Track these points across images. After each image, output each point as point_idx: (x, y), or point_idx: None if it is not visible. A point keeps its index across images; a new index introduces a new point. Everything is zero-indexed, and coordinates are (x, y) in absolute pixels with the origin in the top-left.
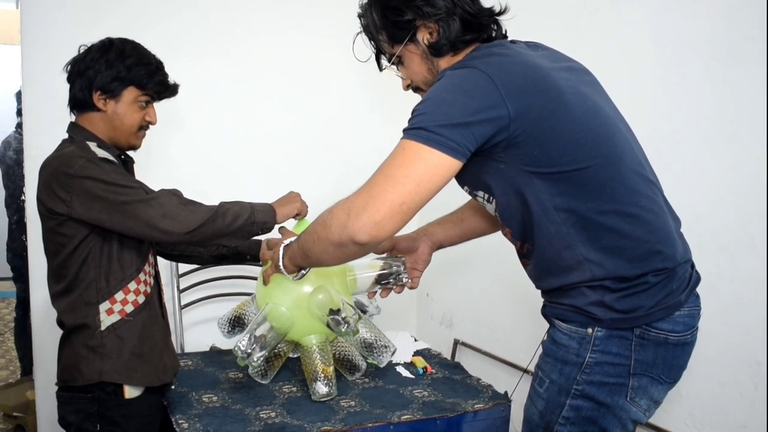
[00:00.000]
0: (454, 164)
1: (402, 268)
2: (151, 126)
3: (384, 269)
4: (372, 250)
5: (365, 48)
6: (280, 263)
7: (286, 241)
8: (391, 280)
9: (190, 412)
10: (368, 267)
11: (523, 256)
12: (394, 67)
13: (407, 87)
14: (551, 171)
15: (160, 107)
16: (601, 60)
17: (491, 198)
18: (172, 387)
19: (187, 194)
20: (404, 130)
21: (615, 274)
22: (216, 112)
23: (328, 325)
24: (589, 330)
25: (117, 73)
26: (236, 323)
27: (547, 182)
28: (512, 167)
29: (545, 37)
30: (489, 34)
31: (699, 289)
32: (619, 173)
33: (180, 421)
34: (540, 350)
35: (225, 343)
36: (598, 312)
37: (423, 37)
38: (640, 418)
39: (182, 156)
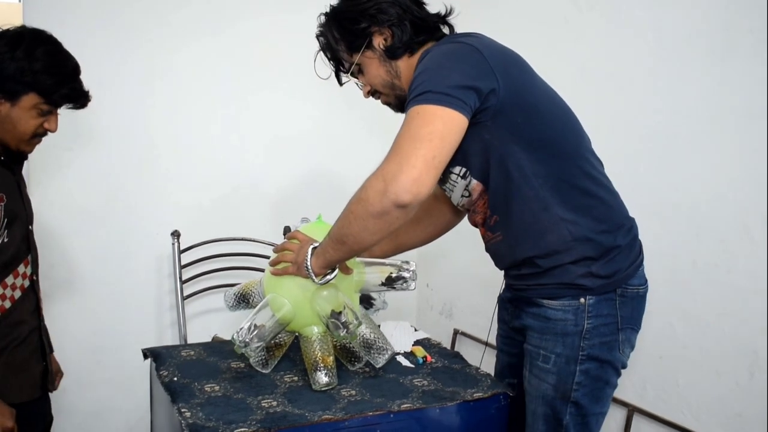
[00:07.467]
0: (464, 121)
1: (412, 275)
2: (50, 133)
3: (393, 273)
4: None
5: (326, 68)
6: (308, 263)
7: (315, 244)
8: (397, 286)
9: (192, 401)
10: (379, 270)
11: (490, 230)
12: (354, 79)
13: (368, 94)
14: (532, 138)
15: (162, 96)
16: (599, 53)
17: (467, 173)
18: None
19: (191, 186)
20: (410, 100)
21: (586, 233)
22: (213, 106)
23: (327, 326)
24: (582, 300)
25: (20, 75)
26: (242, 299)
27: (527, 150)
28: (496, 137)
29: (543, 30)
30: (442, 34)
31: (697, 280)
32: (584, 143)
33: (182, 410)
34: (495, 327)
35: (227, 334)
36: (587, 282)
37: (378, 42)
38: (625, 362)
39: (183, 151)
